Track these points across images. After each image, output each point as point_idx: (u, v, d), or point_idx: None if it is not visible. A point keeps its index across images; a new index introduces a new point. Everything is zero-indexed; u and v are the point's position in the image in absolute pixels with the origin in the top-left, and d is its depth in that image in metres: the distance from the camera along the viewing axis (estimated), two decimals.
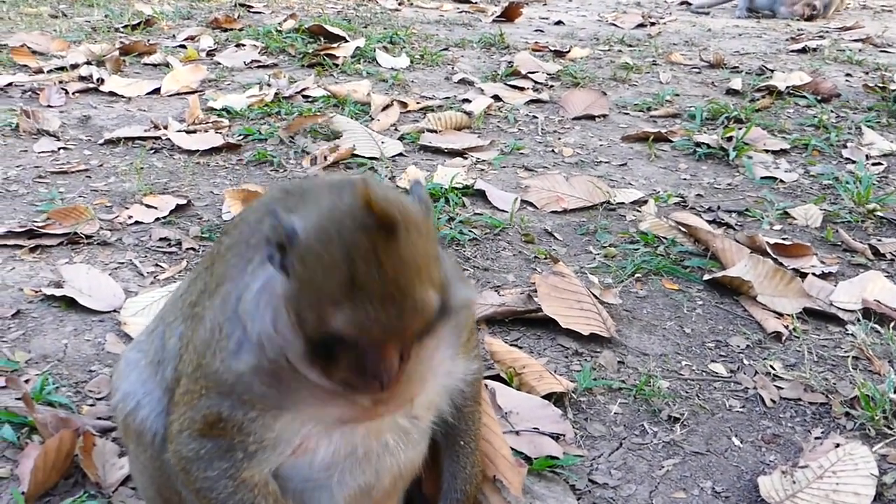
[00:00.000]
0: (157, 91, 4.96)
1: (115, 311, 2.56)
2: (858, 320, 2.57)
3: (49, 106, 4.57)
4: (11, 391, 2.11)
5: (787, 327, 2.53)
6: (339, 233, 1.13)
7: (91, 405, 2.11)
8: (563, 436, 2.01)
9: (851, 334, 2.52)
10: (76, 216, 3.12)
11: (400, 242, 1.12)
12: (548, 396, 2.13)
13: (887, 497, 1.85)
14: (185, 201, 3.34)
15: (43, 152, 3.91)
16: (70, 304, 2.57)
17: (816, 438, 2.04)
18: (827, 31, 7.87)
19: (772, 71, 5.91)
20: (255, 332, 1.27)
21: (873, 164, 4.10)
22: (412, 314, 1.15)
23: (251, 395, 1.29)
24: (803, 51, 6.82)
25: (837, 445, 1.96)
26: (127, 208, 3.29)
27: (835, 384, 2.25)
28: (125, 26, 6.70)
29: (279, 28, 6.69)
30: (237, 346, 1.29)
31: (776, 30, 7.97)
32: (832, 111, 5.00)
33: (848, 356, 2.39)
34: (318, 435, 1.35)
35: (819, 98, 5.20)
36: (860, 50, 7.00)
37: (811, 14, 8.27)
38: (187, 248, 2.99)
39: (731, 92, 5.41)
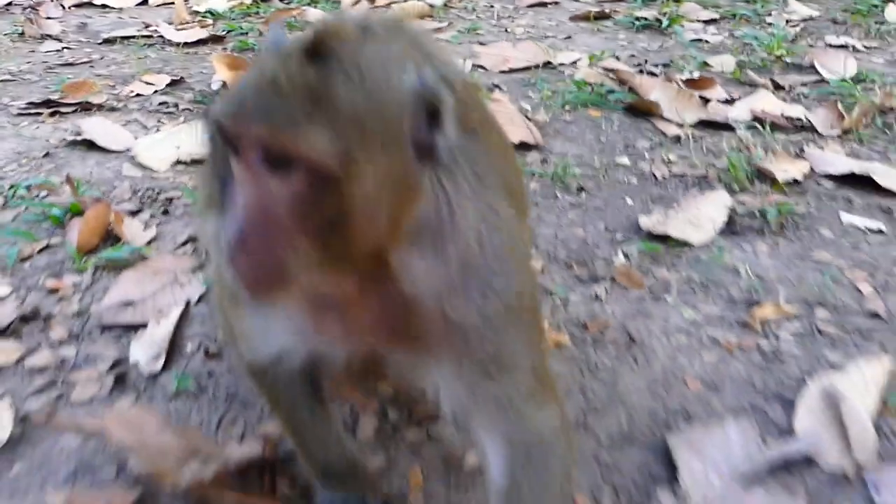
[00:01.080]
0: (144, 3, 5.41)
1: (127, 150, 3.07)
2: (746, 126, 3.10)
3: (49, 18, 5.02)
4: (53, 198, 2.64)
5: (685, 133, 3.06)
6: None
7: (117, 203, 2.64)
8: None
9: (738, 137, 3.04)
10: (86, 89, 3.62)
11: (317, 67, 0.98)
12: None
13: (737, 222, 2.40)
14: (178, 78, 3.83)
15: (49, 51, 4.38)
16: (90, 146, 3.07)
17: (692, 196, 2.58)
18: None
19: None
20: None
21: (791, 26, 4.59)
22: (278, 116, 0.96)
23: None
24: None
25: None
26: (128, 85, 3.78)
27: (714, 164, 2.79)
28: None
29: None
30: None
31: None
32: None
33: (731, 147, 2.92)
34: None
35: None
36: None
37: None
38: (183, 109, 3.49)
39: None
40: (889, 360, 1.75)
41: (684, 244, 2.29)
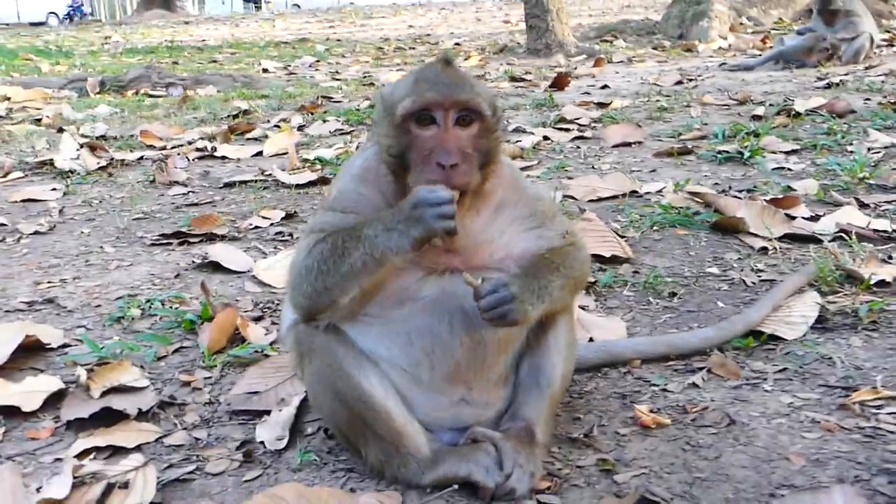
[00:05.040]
0: (259, 154, 5.95)
1: (248, 270, 3.36)
2: (832, 238, 3.19)
3: (176, 167, 5.58)
4: (186, 307, 2.92)
5: (772, 246, 3.17)
6: (412, 72, 1.78)
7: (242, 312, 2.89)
8: (587, 306, 2.68)
9: (824, 247, 3.13)
10: (211, 222, 4.00)
11: (456, 69, 1.72)
12: None
13: (829, 319, 2.46)
14: (292, 212, 4.20)
15: (176, 195, 4.86)
16: (216, 268, 3.39)
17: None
18: (853, 72, 8.51)
19: (794, 101, 6.58)
20: (354, 168, 1.87)
21: (873, 153, 4.70)
22: (459, 89, 1.67)
23: (345, 207, 1.80)
24: (828, 86, 7.48)
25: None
26: (247, 219, 4.16)
27: (804, 267, 2.87)
28: (227, 116, 7.84)
29: (357, 108, 7.73)
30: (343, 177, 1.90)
31: (806, 76, 8.65)
32: (845, 124, 5.63)
33: (818, 256, 3.01)
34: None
35: (834, 115, 5.84)
36: (882, 81, 7.61)
37: (829, 54, 9.03)
38: (297, 237, 3.81)
39: (755, 118, 6.09)
40: None
41: (777, 339, 2.37)
